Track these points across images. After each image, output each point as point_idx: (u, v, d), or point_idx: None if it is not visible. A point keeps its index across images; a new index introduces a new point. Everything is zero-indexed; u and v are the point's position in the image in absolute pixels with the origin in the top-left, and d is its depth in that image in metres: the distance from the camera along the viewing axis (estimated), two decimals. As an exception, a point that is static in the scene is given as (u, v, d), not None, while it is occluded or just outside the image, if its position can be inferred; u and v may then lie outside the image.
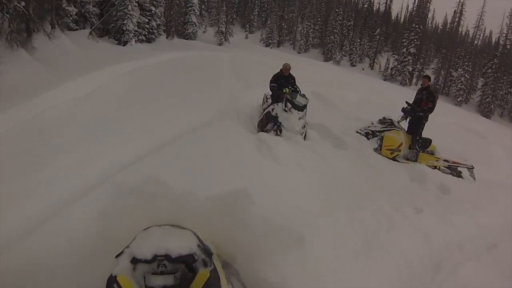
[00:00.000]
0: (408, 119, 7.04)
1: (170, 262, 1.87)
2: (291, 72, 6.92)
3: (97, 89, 7.31)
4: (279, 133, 6.22)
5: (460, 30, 48.42)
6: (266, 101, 7.35)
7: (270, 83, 6.85)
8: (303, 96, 6.68)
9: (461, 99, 38.20)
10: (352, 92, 13.14)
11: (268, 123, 6.47)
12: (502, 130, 19.68)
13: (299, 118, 6.33)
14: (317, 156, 5.55)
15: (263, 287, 2.55)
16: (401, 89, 25.69)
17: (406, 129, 7.08)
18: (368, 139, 6.89)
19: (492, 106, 37.70)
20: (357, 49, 46.29)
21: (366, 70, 44.09)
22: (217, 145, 5.06)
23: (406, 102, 6.96)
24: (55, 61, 9.13)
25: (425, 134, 6.98)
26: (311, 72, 15.46)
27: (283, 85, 6.71)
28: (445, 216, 4.83)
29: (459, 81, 38.91)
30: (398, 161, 6.71)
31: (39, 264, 2.51)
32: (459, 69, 39.82)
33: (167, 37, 21.28)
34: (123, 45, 15.22)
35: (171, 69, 11.20)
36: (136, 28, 15.83)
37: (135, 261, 1.83)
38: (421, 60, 43.06)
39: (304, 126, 6.42)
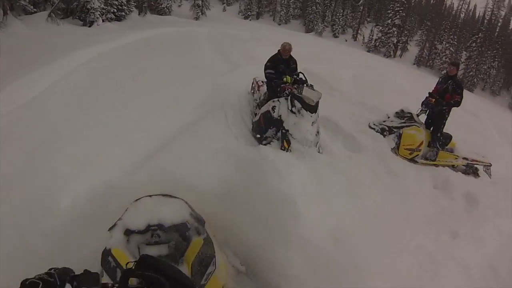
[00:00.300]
0: (427, 112, 6.05)
1: (164, 231, 1.87)
2: (292, 54, 5.35)
3: (48, 88, 5.87)
4: (286, 146, 4.51)
5: (444, 2, 47.81)
6: (258, 89, 5.99)
7: (265, 69, 5.26)
8: (311, 87, 4.97)
9: (445, 72, 37.62)
10: (344, 69, 12.14)
11: (268, 128, 4.83)
12: (489, 106, 19.35)
13: (312, 123, 4.64)
14: (342, 177, 4.15)
15: (253, 256, 2.50)
16: (389, 63, 24.75)
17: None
18: (384, 136, 5.83)
19: (475, 80, 38.01)
20: (340, 20, 44.78)
21: (349, 41, 42.85)
22: (199, 176, 3.55)
23: (430, 94, 5.87)
24: (6, 53, 7.57)
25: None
26: (295, 45, 14.11)
27: (283, 72, 5.17)
28: (477, 234, 4.33)
29: (443, 54, 38.71)
30: (416, 161, 5.73)
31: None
32: (443, 42, 39.57)
33: (139, 14, 19.24)
34: (89, 26, 13.30)
35: (143, 52, 9.52)
36: (102, 6, 13.80)
37: (128, 232, 1.83)
38: (406, 32, 42.21)
39: (318, 133, 4.79)
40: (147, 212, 1.92)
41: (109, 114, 5.14)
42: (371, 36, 41.79)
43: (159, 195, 2.11)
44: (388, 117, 6.17)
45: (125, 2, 16.02)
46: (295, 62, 5.42)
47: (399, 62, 33.71)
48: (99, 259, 1.76)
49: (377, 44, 40.52)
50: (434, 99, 5.76)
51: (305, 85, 4.95)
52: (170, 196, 2.14)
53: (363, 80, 10.97)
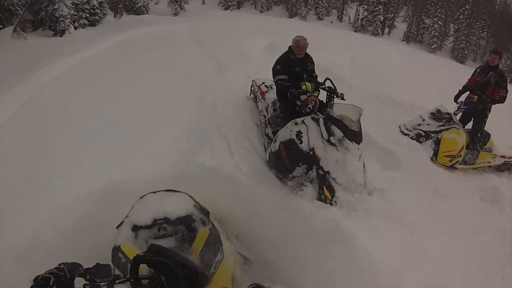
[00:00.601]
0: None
1: (170, 224, 1.88)
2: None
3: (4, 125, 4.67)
4: (329, 196, 3.27)
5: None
6: (262, 97, 4.83)
7: (274, 75, 4.10)
8: (341, 96, 3.80)
9: (435, 46, 37.47)
10: (340, 53, 11.27)
11: (296, 165, 3.53)
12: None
13: (359, 157, 3.47)
14: (402, 226, 3.16)
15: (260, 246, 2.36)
16: (379, 41, 23.83)
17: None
18: (420, 142, 5.03)
19: (465, 51, 37.75)
20: (323, 1, 43.65)
21: (335, 23, 41.71)
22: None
23: (465, 88, 5.10)
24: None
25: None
26: (282, 31, 12.98)
27: (298, 77, 4.01)
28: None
29: (432, 28, 38.11)
30: (455, 168, 4.94)
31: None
32: (431, 16, 39.16)
33: (115, 16, 18.02)
34: (60, 36, 12.16)
35: (117, 62, 8.25)
36: (72, 12, 12.62)
37: (136, 228, 1.84)
38: (392, 9, 41.33)
39: (364, 167, 3.58)
40: (152, 208, 1.93)
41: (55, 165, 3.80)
42: (357, 16, 40.74)
43: (162, 191, 2.09)
44: (423, 120, 5.28)
45: (97, 5, 14.78)
46: (312, 61, 4.28)
47: (388, 40, 32.76)
48: (109, 256, 1.76)
49: (364, 23, 39.59)
50: (476, 96, 4.88)
51: (334, 96, 3.73)
52: (174, 190, 2.11)
53: (363, 65, 10.14)
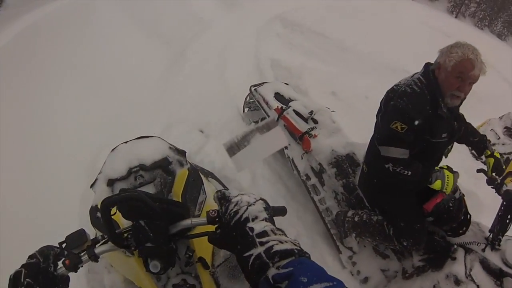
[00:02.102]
0: None
1: (146, 171, 1.74)
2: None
3: None
4: None
5: None
6: (300, 143, 2.75)
7: (386, 145, 1.94)
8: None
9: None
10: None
11: None
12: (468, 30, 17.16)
13: None
14: None
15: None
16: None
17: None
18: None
19: None
20: None
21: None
22: None
23: None
24: None
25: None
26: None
27: (437, 151, 2.04)
28: None
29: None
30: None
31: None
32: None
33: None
34: None
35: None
36: None
37: (111, 182, 1.71)
38: None
39: None
40: (125, 157, 1.75)
41: None
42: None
43: (133, 139, 1.91)
44: (498, 138, 4.21)
45: None
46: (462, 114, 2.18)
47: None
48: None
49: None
50: None
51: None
52: (145, 136, 1.93)
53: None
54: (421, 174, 1.91)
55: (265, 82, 3.31)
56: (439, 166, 1.96)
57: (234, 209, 0.84)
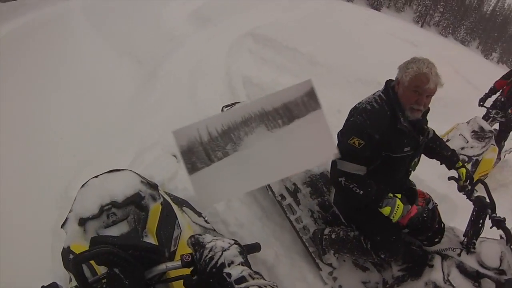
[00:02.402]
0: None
1: (118, 208, 1.67)
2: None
3: None
4: None
5: None
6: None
7: (339, 168, 1.94)
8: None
9: None
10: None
11: None
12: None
13: None
14: None
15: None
16: None
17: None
18: None
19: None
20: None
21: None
22: None
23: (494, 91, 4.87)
24: None
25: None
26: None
27: (402, 163, 2.03)
28: None
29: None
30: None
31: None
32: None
33: None
34: None
35: None
36: None
37: (83, 222, 1.63)
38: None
39: None
40: (96, 194, 1.69)
41: None
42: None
43: (104, 173, 1.83)
44: (467, 142, 4.42)
45: None
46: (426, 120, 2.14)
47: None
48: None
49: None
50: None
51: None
52: (116, 170, 1.86)
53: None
54: (389, 188, 1.96)
55: (237, 102, 3.28)
56: (398, 191, 2.00)
57: (209, 255, 0.83)
